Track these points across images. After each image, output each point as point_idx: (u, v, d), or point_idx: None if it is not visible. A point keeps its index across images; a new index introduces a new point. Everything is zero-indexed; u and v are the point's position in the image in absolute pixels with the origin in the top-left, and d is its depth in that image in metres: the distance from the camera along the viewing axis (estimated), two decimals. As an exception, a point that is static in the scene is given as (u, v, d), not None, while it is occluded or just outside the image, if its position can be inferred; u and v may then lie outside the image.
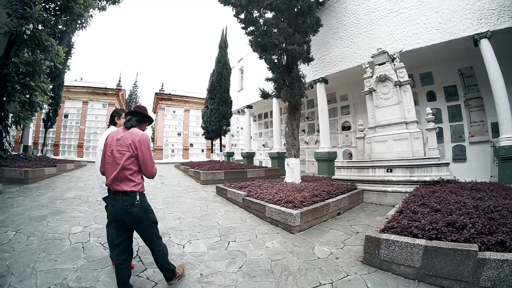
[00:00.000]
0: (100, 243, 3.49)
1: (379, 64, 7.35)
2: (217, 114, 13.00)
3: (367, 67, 7.72)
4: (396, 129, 6.84)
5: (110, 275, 2.68)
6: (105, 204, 2.96)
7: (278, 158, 11.87)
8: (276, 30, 6.96)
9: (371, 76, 7.46)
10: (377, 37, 8.33)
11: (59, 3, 8.50)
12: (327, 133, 9.76)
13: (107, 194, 2.78)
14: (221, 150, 14.99)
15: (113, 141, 2.21)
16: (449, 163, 6.00)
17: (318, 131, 11.73)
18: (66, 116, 20.71)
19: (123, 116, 2.92)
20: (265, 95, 7.92)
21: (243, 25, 7.40)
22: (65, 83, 19.47)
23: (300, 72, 7.11)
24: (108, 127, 3.08)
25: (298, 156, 7.17)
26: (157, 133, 23.75)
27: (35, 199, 5.65)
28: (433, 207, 3.52)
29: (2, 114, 7.93)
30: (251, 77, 14.99)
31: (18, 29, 7.22)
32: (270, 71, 7.64)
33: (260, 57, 7.53)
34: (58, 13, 8.72)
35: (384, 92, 7.13)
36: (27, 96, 7.76)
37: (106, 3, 12.15)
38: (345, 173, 7.23)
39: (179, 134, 23.87)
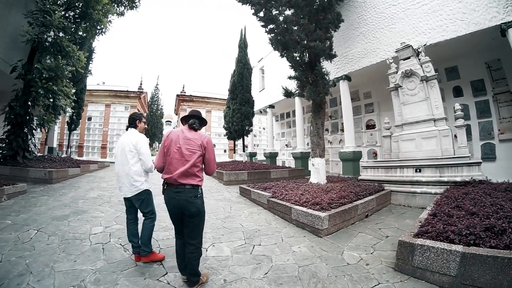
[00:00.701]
0: (120, 244, 3.36)
1: (404, 59, 6.94)
2: (239, 114, 12.76)
3: (391, 63, 7.31)
4: (424, 126, 6.40)
5: (129, 279, 2.55)
6: (127, 204, 3.03)
7: (302, 158, 11.52)
8: (296, 28, 6.71)
9: (396, 72, 7.05)
10: (399, 31, 7.88)
11: (78, 10, 8.67)
12: (351, 132, 9.35)
13: (137, 192, 2.90)
14: (243, 151, 14.85)
15: (179, 139, 2.37)
16: (481, 162, 5.53)
17: (342, 130, 11.29)
18: (89, 119, 21.30)
19: (144, 120, 3.21)
20: (288, 93, 7.64)
21: (262, 23, 7.19)
22: (88, 87, 20.03)
23: (324, 69, 6.80)
24: (127, 130, 3.11)
25: (323, 156, 6.85)
26: (179, 135, 24.05)
27: (58, 198, 5.65)
28: (468, 209, 3.24)
29: (28, 117, 8.11)
30: (272, 76, 14.74)
31: (39, 37, 7.44)
32: (292, 69, 7.37)
33: (281, 55, 7.29)
34: (78, 20, 8.93)
35: (410, 88, 6.70)
36: (51, 100, 7.91)
37: (124, 8, 12.32)
38: (372, 173, 6.83)
39: (201, 135, 23.93)
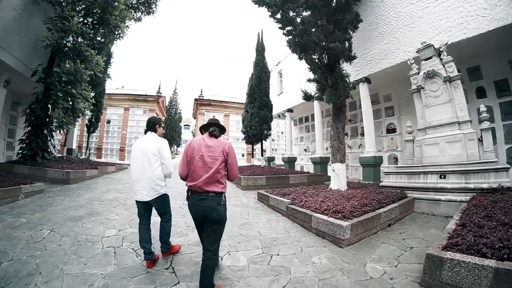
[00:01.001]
0: (133, 248, 3.22)
1: (425, 59, 6.56)
2: (257, 119, 12.45)
3: (412, 63, 6.94)
4: (448, 130, 5.99)
5: (139, 286, 2.41)
6: (142, 208, 2.93)
7: (321, 163, 11.12)
8: (314, 29, 6.47)
9: (418, 73, 6.67)
10: (419, 30, 7.48)
11: (96, 16, 8.77)
12: (372, 137, 8.92)
13: (157, 196, 2.85)
14: (262, 155, 14.57)
15: (201, 147, 2.40)
16: (509, 168, 5.09)
17: (362, 134, 10.89)
18: (108, 122, 21.63)
19: (162, 125, 3.25)
20: (307, 97, 7.38)
21: (280, 25, 7.00)
22: (107, 91, 20.29)
23: (344, 71, 6.52)
24: (145, 133, 3.10)
25: (344, 161, 6.54)
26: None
27: (74, 199, 5.61)
28: (499, 220, 2.95)
29: (47, 119, 8.26)
30: (291, 80, 14.42)
31: (58, 42, 7.57)
32: (311, 72, 7.12)
33: (300, 58, 7.07)
34: (96, 26, 9.08)
35: (433, 90, 6.31)
36: (70, 103, 7.97)
37: (142, 14, 12.54)
38: (394, 179, 6.45)
39: (219, 139, 23.33)
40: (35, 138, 8.08)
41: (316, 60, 6.84)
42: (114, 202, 5.60)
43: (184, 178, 2.48)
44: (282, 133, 24.88)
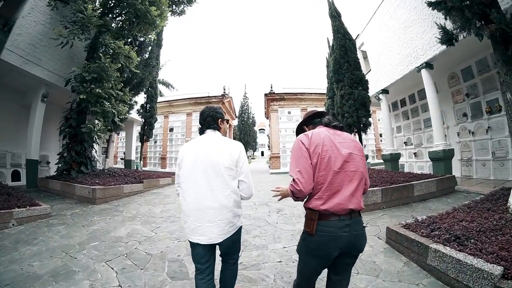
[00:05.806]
0: None
1: None
2: (351, 101, 9.00)
3: None
4: None
5: None
6: (204, 254, 1.71)
7: (445, 159, 7.32)
8: None
9: None
10: None
11: (124, 5, 7.55)
12: None
13: (234, 232, 1.74)
14: None
15: (328, 142, 1.46)
16: None
17: (489, 112, 7.07)
18: (171, 129, 21.12)
19: (227, 118, 2.10)
20: (448, 36, 4.47)
21: None
22: (167, 99, 20.13)
23: None
24: (202, 133, 1.90)
25: None
26: (272, 139, 20.25)
27: (72, 233, 4.01)
28: None
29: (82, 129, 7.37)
30: (381, 50, 10.81)
31: (74, 38, 6.68)
32: (431, 7, 4.45)
33: None
34: (132, 22, 8.00)
35: None
36: (97, 105, 6.88)
37: (183, 5, 11.30)
38: None
39: (298, 138, 20.38)
40: (69, 150, 7.32)
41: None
42: (119, 246, 3.47)
43: (305, 195, 1.42)
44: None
